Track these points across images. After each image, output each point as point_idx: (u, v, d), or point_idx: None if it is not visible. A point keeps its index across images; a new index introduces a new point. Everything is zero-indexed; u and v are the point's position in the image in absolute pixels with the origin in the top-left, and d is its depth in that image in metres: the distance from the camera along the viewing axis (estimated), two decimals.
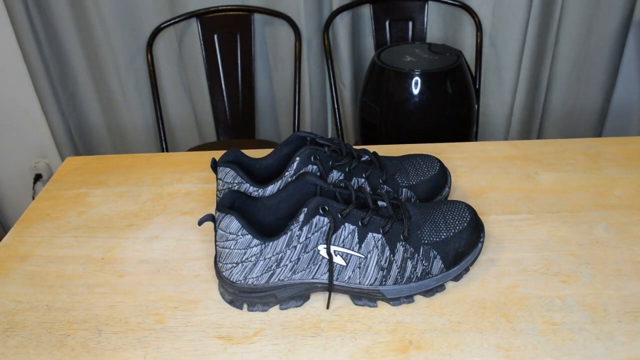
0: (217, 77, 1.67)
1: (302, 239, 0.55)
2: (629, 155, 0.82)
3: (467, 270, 0.61)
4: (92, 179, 0.83)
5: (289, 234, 0.55)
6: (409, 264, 0.57)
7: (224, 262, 0.57)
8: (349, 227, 0.56)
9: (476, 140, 1.64)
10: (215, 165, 0.64)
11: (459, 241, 0.59)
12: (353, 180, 0.65)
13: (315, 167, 0.63)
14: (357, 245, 0.56)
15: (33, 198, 1.85)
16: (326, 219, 0.55)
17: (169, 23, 1.59)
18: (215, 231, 0.57)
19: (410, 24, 1.66)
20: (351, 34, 1.67)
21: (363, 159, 0.68)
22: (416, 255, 0.58)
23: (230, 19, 1.62)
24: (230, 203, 0.57)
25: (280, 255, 0.55)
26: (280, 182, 0.63)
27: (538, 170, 0.80)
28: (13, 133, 1.85)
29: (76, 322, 0.58)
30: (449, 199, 0.72)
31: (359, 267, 0.57)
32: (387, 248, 0.57)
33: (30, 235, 0.72)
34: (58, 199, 0.79)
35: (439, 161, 0.71)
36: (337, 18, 1.62)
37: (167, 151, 1.68)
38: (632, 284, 0.60)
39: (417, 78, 1.38)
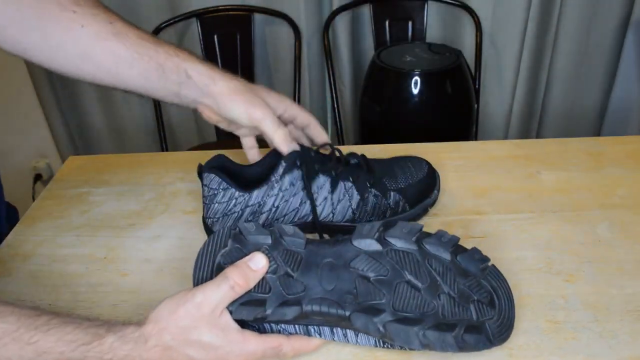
0: None
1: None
2: (632, 155, 0.82)
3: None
4: (95, 178, 0.83)
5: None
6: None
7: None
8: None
9: (476, 140, 1.65)
10: (201, 172, 0.64)
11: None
12: (339, 184, 0.65)
13: (301, 172, 0.63)
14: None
15: (33, 198, 1.85)
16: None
17: (168, 23, 1.58)
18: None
19: (410, 23, 1.66)
20: (351, 34, 1.67)
21: (352, 162, 0.68)
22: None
23: (230, 19, 1.62)
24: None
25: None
26: (266, 187, 0.62)
27: (540, 170, 0.80)
28: (13, 133, 1.85)
29: None
30: (439, 200, 0.73)
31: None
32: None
33: (33, 235, 0.72)
34: (60, 198, 0.79)
35: (428, 163, 0.72)
36: (337, 18, 1.62)
37: (167, 151, 1.68)
38: (635, 282, 0.60)
39: (417, 78, 1.38)
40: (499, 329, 0.51)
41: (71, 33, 0.59)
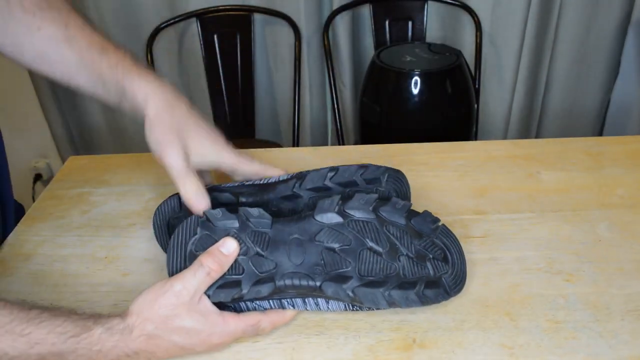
0: (217, 77, 1.67)
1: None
2: (632, 155, 0.83)
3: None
4: (95, 178, 0.83)
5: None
6: None
7: None
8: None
9: (476, 140, 1.65)
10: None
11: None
12: None
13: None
14: None
15: (33, 198, 1.85)
16: None
17: (168, 23, 1.59)
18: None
19: (410, 23, 1.66)
20: (351, 33, 1.67)
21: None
22: None
23: (230, 19, 1.62)
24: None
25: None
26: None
27: (540, 170, 0.80)
28: (13, 133, 1.85)
29: None
30: (439, 200, 0.73)
31: None
32: None
33: (34, 235, 0.72)
34: (61, 198, 0.79)
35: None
36: (337, 18, 1.62)
37: None
38: (635, 282, 0.60)
39: (416, 78, 1.38)
40: (454, 280, 0.56)
41: (29, 35, 0.61)
